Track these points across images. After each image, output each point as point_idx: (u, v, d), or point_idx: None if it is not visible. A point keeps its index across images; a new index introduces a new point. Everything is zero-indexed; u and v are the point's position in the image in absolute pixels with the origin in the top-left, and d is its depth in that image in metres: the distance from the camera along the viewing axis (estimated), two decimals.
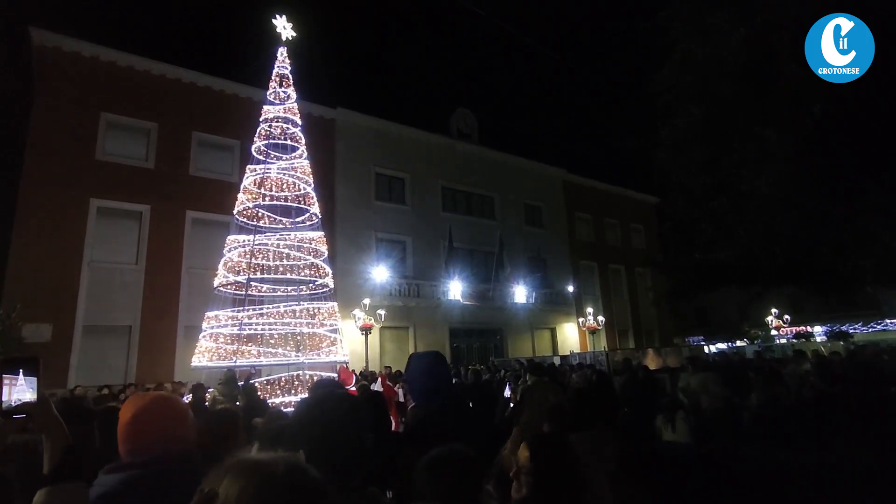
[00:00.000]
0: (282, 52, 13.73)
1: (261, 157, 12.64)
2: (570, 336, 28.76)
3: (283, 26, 13.83)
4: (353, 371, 13.02)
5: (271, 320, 11.40)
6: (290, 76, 13.63)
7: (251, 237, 11.87)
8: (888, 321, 30.20)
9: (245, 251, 11.80)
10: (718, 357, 16.29)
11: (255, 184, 12.41)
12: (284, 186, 12.47)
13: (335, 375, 10.29)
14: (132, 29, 43.20)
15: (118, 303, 16.70)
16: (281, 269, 11.77)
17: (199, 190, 18.71)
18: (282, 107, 13.05)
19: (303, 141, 13.11)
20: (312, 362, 11.58)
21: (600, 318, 26.91)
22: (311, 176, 12.90)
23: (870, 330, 30.34)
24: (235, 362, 10.61)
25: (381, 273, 21.46)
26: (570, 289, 28.58)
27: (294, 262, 11.92)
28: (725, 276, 14.88)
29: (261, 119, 12.98)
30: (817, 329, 31.52)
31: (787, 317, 27.63)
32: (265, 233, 12.02)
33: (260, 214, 12.18)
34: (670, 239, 17.69)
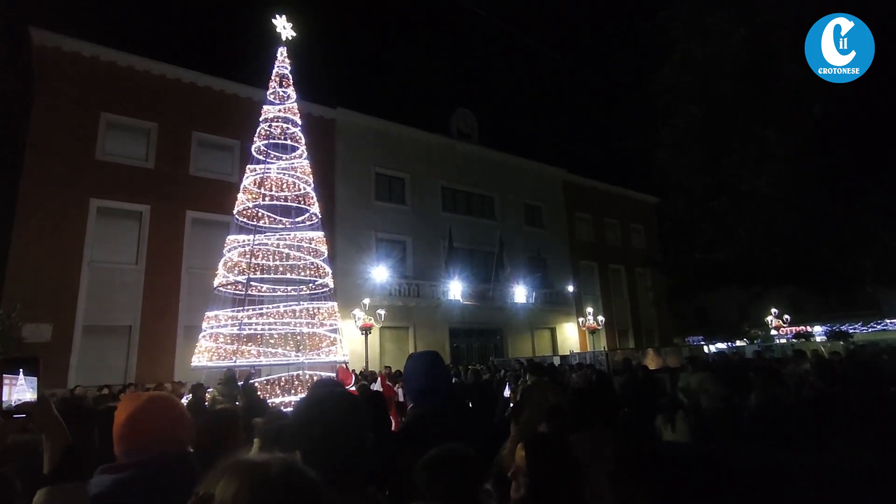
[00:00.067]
0: (282, 52, 13.72)
1: (261, 157, 12.63)
2: (569, 336, 28.76)
3: (283, 26, 13.83)
4: (353, 371, 13.02)
5: (271, 320, 11.40)
6: (290, 76, 13.62)
7: (251, 237, 11.86)
8: (888, 321, 30.21)
9: (245, 251, 11.79)
10: (718, 357, 16.27)
11: (255, 184, 12.41)
12: (284, 186, 12.47)
13: (334, 375, 10.29)
14: (132, 29, 43.22)
15: (118, 303, 16.70)
16: (281, 269, 11.76)
17: (199, 190, 18.71)
18: (282, 107, 13.04)
19: (303, 141, 13.10)
20: (312, 362, 11.58)
21: (600, 318, 26.91)
22: (311, 176, 12.90)
23: (869, 330, 30.35)
24: (235, 362, 10.61)
25: (380, 273, 21.47)
26: (570, 289, 28.59)
27: (294, 262, 11.91)
28: (725, 276, 14.88)
29: (261, 119, 12.98)
30: (817, 329, 31.52)
31: (786, 317, 27.62)
32: (265, 233, 12.01)
33: (260, 214, 12.17)
34: (670, 239, 17.71)
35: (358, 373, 13.16)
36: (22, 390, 1.54)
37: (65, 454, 1.51)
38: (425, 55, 63.78)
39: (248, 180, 12.45)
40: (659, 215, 30.15)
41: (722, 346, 27.84)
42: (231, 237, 12.16)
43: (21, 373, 1.55)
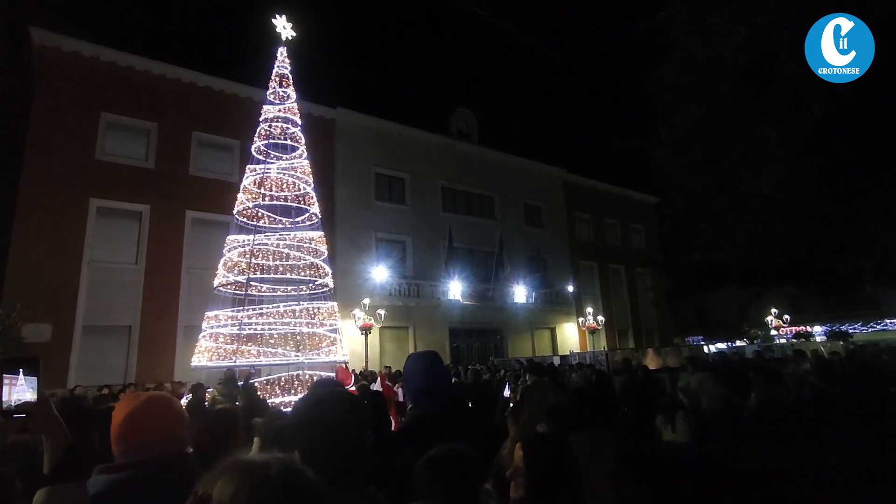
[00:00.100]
0: (282, 52, 13.73)
1: (261, 157, 12.63)
2: (569, 336, 28.77)
3: (283, 26, 13.83)
4: (353, 371, 13.03)
5: (271, 320, 11.40)
6: (290, 76, 13.62)
7: (251, 237, 11.86)
8: (888, 321, 30.21)
9: (245, 251, 11.80)
10: (718, 357, 16.28)
11: (254, 184, 12.41)
12: (284, 186, 12.47)
13: (334, 375, 10.29)
14: (132, 29, 43.22)
15: (118, 303, 16.70)
16: (281, 268, 11.77)
17: (199, 190, 18.71)
18: (282, 107, 13.05)
19: (303, 141, 13.10)
20: (312, 362, 11.58)
21: (600, 318, 26.91)
22: (310, 176, 12.90)
23: (869, 330, 30.35)
24: (235, 362, 10.62)
25: (380, 273, 21.46)
26: (570, 289, 28.58)
27: (294, 262, 11.92)
28: (725, 276, 14.88)
29: (261, 119, 12.98)
30: (817, 329, 31.53)
31: (786, 317, 27.63)
32: (265, 233, 12.02)
33: (260, 214, 12.17)
34: (670, 239, 17.71)
35: (358, 373, 13.16)
36: (22, 390, 1.54)
37: (65, 454, 1.51)
38: (425, 55, 63.81)
39: (247, 180, 12.45)
40: (659, 215, 30.14)
41: (722, 346, 27.85)
42: (231, 237, 12.16)
43: (21, 373, 1.55)
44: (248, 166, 12.70)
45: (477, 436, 3.05)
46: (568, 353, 21.71)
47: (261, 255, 11.69)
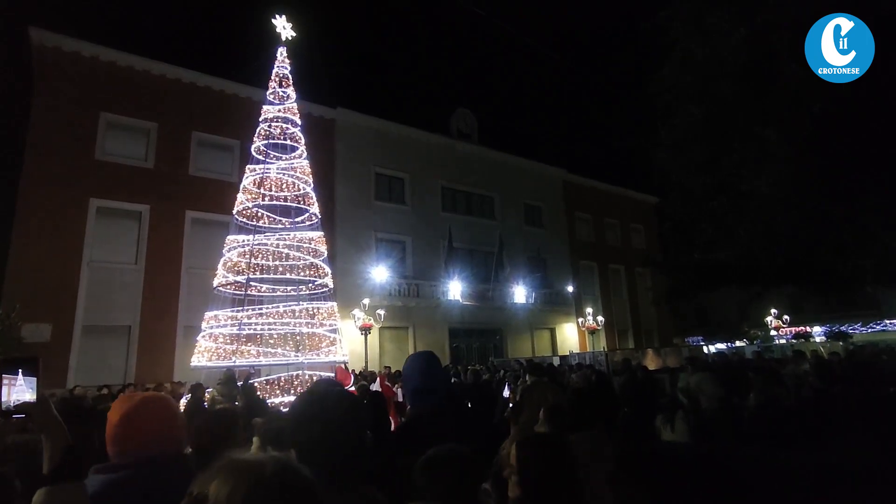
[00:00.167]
0: (281, 52, 13.72)
1: (260, 157, 12.63)
2: (569, 336, 28.77)
3: (283, 26, 13.83)
4: (353, 371, 13.03)
5: (270, 320, 11.40)
6: (290, 76, 13.62)
7: (251, 237, 11.85)
8: (887, 321, 30.21)
9: (244, 251, 11.79)
10: (717, 357, 16.28)
11: (254, 184, 12.41)
12: (284, 186, 12.47)
13: (333, 375, 10.29)
14: (132, 29, 43.22)
15: (118, 303, 16.71)
16: (280, 269, 11.77)
17: (199, 190, 18.71)
18: (281, 107, 13.04)
19: (302, 141, 13.10)
20: (312, 362, 11.58)
21: (600, 318, 26.91)
22: (310, 176, 12.90)
23: (869, 330, 30.35)
24: (235, 362, 10.61)
25: (380, 273, 21.47)
26: (570, 289, 28.58)
27: (293, 262, 11.91)
28: (725, 276, 14.87)
29: (260, 119, 12.97)
30: (817, 329, 31.53)
31: (786, 317, 27.64)
32: (265, 233, 12.01)
33: (259, 214, 12.17)
34: (670, 239, 17.69)
35: (357, 373, 13.16)
36: (21, 390, 1.54)
37: (64, 454, 1.51)
38: (425, 55, 63.82)
39: (247, 180, 12.45)
40: (659, 215, 30.12)
41: (722, 346, 27.87)
42: (231, 237, 12.15)
43: (20, 373, 1.54)
44: (248, 166, 12.70)
45: (476, 436, 3.05)
46: (568, 354, 21.72)
47: (260, 256, 11.68)
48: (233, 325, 11.27)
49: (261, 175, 12.42)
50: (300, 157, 12.87)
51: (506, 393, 9.47)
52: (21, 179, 15.87)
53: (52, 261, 15.50)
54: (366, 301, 19.53)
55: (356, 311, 18.87)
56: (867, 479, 3.15)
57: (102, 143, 17.41)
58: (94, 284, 16.43)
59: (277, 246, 11.83)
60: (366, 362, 17.37)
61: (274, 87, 13.33)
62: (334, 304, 12.56)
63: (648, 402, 7.29)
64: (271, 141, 12.73)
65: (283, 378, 11.08)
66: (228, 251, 12.02)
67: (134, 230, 17.71)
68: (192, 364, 11.53)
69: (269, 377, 11.25)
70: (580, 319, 27.61)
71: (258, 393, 8.81)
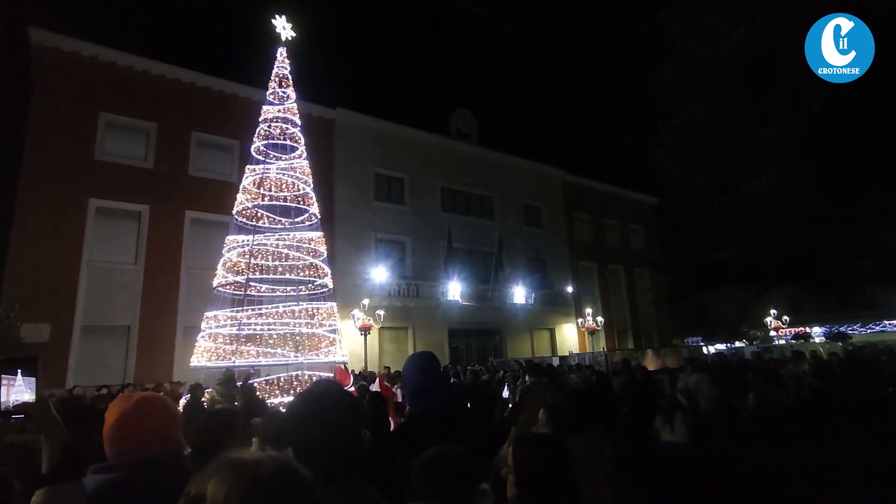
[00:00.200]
0: (281, 53, 13.72)
1: (260, 158, 12.63)
2: (569, 337, 28.76)
3: (283, 26, 13.82)
4: (352, 371, 13.02)
5: (270, 320, 11.39)
6: (290, 76, 13.62)
7: (250, 237, 11.85)
8: (886, 322, 30.21)
9: (244, 251, 11.79)
10: (717, 358, 16.29)
11: (254, 184, 12.40)
12: (284, 187, 12.47)
13: (332, 376, 10.29)
14: (132, 29, 43.19)
15: (117, 303, 16.71)
16: (280, 269, 11.76)
17: (199, 190, 18.71)
18: (281, 107, 13.04)
19: (302, 141, 13.09)
20: (311, 363, 11.57)
21: (599, 318, 26.88)
22: (310, 176, 12.90)
23: (868, 331, 30.34)
24: (234, 362, 10.60)
25: (380, 273, 21.46)
26: (570, 289, 28.57)
27: (293, 263, 11.91)
28: (725, 276, 14.87)
29: (260, 119, 12.97)
30: (816, 330, 31.52)
31: (785, 318, 27.65)
32: (264, 233, 12.01)
33: (259, 214, 12.17)
34: (669, 239, 17.70)
35: (357, 373, 13.15)
36: (20, 391, 1.54)
37: (63, 454, 1.51)
38: (425, 55, 63.79)
39: (247, 180, 12.44)
40: (658, 216, 30.15)
41: (721, 346, 27.87)
42: (230, 237, 12.15)
43: (19, 373, 1.54)
44: (248, 166, 12.69)
45: (476, 436, 3.05)
46: (567, 354, 21.72)
47: (260, 256, 11.67)
48: (232, 326, 11.27)
49: (260, 175, 12.41)
50: (300, 157, 12.87)
51: (505, 393, 9.47)
52: (20, 179, 15.87)
53: (52, 261, 15.50)
54: (365, 301, 19.53)
55: (356, 312, 18.86)
56: (867, 480, 3.15)
57: (102, 143, 17.41)
58: (94, 284, 16.42)
59: (277, 246, 11.83)
60: (365, 363, 17.37)
61: (274, 88, 13.32)
62: (334, 304, 12.56)
63: (648, 403, 7.29)
64: (271, 141, 12.73)
65: (282, 378, 11.07)
66: (228, 251, 12.02)
67: (133, 230, 17.71)
68: (192, 364, 11.52)
69: (268, 377, 11.24)
70: (580, 320, 27.60)
71: (257, 393, 8.80)
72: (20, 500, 1.76)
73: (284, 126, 12.86)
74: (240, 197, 12.29)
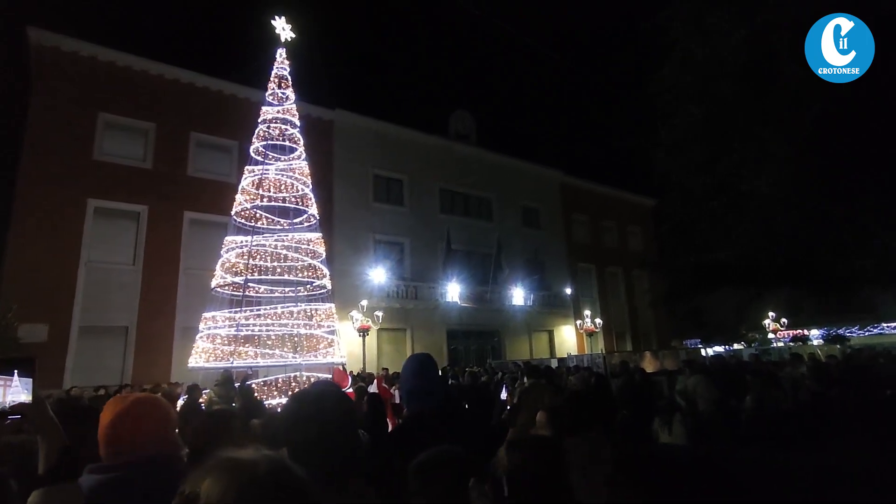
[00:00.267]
0: (280, 54, 13.71)
1: (259, 158, 12.62)
2: (567, 338, 28.76)
3: (283, 27, 13.83)
4: (351, 372, 13.01)
5: (268, 321, 11.37)
6: (289, 77, 13.61)
7: (249, 238, 11.84)
8: (884, 325, 30.23)
9: (243, 252, 11.77)
10: (715, 360, 16.30)
11: (253, 185, 12.39)
12: (282, 187, 12.45)
13: (330, 377, 10.28)
14: (131, 29, 43.18)
15: (115, 303, 16.68)
16: (278, 270, 11.75)
17: (197, 190, 18.70)
18: (280, 108, 13.03)
19: (301, 142, 13.08)
20: (310, 364, 11.55)
21: (598, 320, 26.89)
22: (309, 177, 12.89)
23: (866, 333, 30.35)
24: (232, 363, 10.58)
25: (378, 274, 21.44)
26: (568, 291, 28.56)
27: (292, 264, 11.90)
28: (723, 277, 14.86)
29: (259, 120, 12.96)
30: (814, 332, 31.52)
31: (784, 320, 27.66)
32: (263, 234, 11.99)
33: (258, 215, 12.16)
34: (667, 240, 17.68)
35: (355, 374, 13.14)
36: (17, 391, 1.53)
37: (61, 455, 1.50)
38: (424, 56, 63.83)
39: (246, 181, 12.43)
40: (656, 218, 30.18)
41: (719, 349, 27.87)
42: (229, 238, 12.14)
43: (16, 374, 1.54)
44: (247, 167, 12.68)
45: (474, 438, 3.04)
46: (566, 356, 21.73)
47: (258, 257, 11.66)
48: (230, 327, 11.25)
49: (259, 176, 12.40)
50: (299, 158, 12.86)
51: (503, 395, 9.47)
52: (19, 179, 15.86)
53: (50, 261, 15.48)
54: (364, 302, 19.52)
55: (354, 313, 18.85)
56: (864, 481, 3.15)
57: (100, 143, 17.40)
58: (92, 285, 16.40)
59: (275, 247, 11.81)
60: (364, 364, 17.35)
61: (273, 88, 13.31)
62: (332, 305, 12.55)
63: (646, 405, 7.30)
64: (270, 142, 12.72)
65: (280, 379, 11.05)
66: (226, 252, 12.01)
67: (132, 231, 17.69)
68: (190, 365, 11.51)
69: (266, 378, 11.22)
70: (578, 322, 27.58)
71: (256, 394, 8.79)
72: (17, 501, 1.76)
73: (283, 127, 12.86)
74: (238, 197, 12.28)
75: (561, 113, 65.48)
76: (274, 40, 13.86)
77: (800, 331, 30.69)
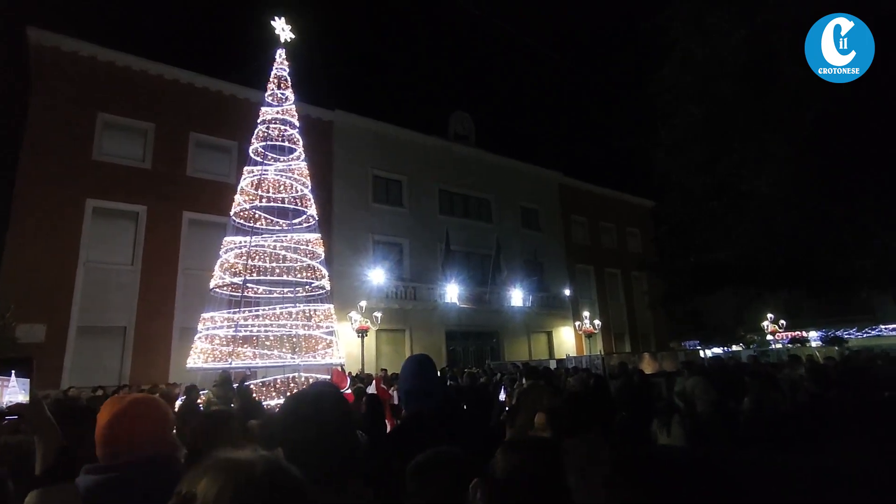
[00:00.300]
0: (280, 54, 13.71)
1: (258, 159, 12.61)
2: (566, 340, 28.76)
3: (282, 28, 13.82)
4: (349, 373, 13.00)
5: (267, 322, 11.36)
6: (289, 78, 13.61)
7: (248, 238, 11.83)
8: (882, 327, 30.26)
9: (241, 253, 11.76)
10: (713, 361, 16.31)
11: (252, 185, 12.38)
12: (281, 188, 12.44)
13: (329, 378, 10.26)
14: (130, 29, 43.17)
15: (113, 303, 16.66)
16: (277, 270, 11.74)
17: (196, 191, 18.69)
18: (280, 108, 13.03)
19: (300, 143, 13.08)
20: (308, 364, 11.54)
21: (597, 321, 26.90)
22: (308, 178, 12.88)
23: (864, 335, 30.38)
24: (231, 364, 10.57)
25: (377, 275, 21.43)
26: (567, 292, 28.58)
27: (290, 264, 11.89)
28: (722, 278, 14.86)
29: (258, 120, 12.95)
30: (812, 334, 31.54)
31: (782, 322, 27.68)
32: (262, 234, 11.99)
33: (257, 216, 12.15)
34: (666, 242, 17.68)
35: (354, 375, 13.13)
36: (14, 392, 1.53)
37: (58, 455, 1.50)
38: (423, 57, 63.84)
39: (245, 182, 12.42)
40: (655, 219, 30.16)
41: (718, 350, 27.88)
42: (228, 238, 12.14)
43: (13, 374, 1.53)
44: (246, 168, 12.67)
45: (472, 439, 3.05)
46: (564, 357, 21.72)
47: (257, 257, 11.65)
48: (229, 327, 11.24)
49: (258, 176, 12.39)
50: (298, 158, 12.85)
51: (501, 396, 9.46)
52: (18, 179, 15.84)
53: (48, 261, 15.46)
54: (363, 303, 19.51)
55: (353, 314, 18.83)
56: (863, 483, 3.15)
57: (100, 143, 17.39)
58: (90, 285, 16.38)
59: (274, 247, 11.80)
60: (362, 365, 17.33)
61: (272, 89, 13.31)
62: (331, 306, 12.54)
63: (645, 406, 7.30)
64: (269, 142, 12.71)
65: (279, 380, 11.04)
66: (225, 252, 12.00)
67: (130, 231, 17.67)
68: (188, 366, 11.49)
69: (265, 379, 11.21)
70: (577, 323, 27.60)
71: (254, 395, 8.77)
72: (15, 502, 1.75)
73: (283, 127, 12.85)
74: (237, 198, 12.27)
75: (560, 114, 65.57)
76: (273, 41, 13.87)
77: (798, 332, 30.72)
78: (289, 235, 12.14)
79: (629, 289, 33.22)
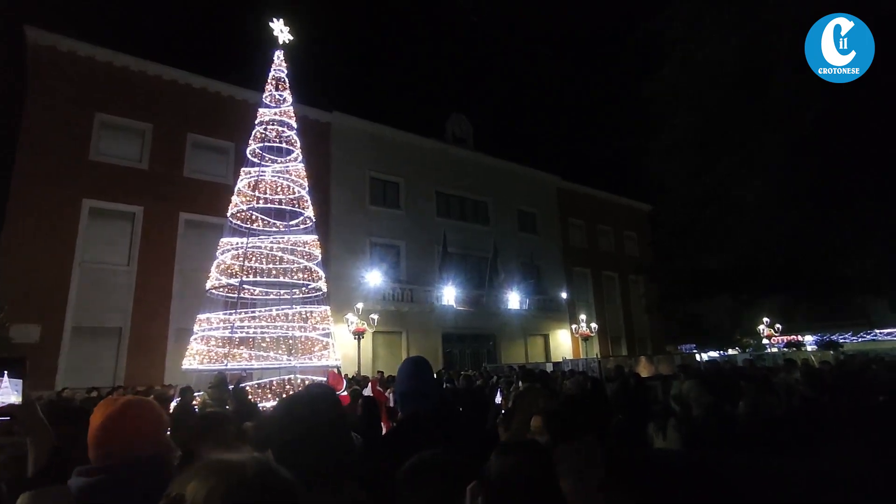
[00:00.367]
0: (278, 56, 13.72)
1: (255, 160, 12.61)
2: (562, 343, 28.76)
3: (280, 30, 13.83)
4: (346, 375, 12.98)
5: (263, 323, 11.35)
6: (287, 79, 13.61)
7: (245, 240, 11.82)
8: (877, 331, 30.38)
9: (238, 254, 11.75)
10: (709, 365, 16.33)
11: (249, 186, 12.38)
12: (279, 189, 12.44)
13: (325, 380, 10.25)
14: (129, 29, 43.13)
15: (109, 304, 16.60)
16: (274, 272, 11.73)
17: (193, 192, 18.66)
18: (277, 110, 13.03)
19: (298, 144, 13.08)
20: (304, 366, 11.52)
21: (593, 324, 26.94)
22: (305, 179, 12.88)
23: (859, 340, 30.49)
24: (226, 365, 10.54)
25: (374, 277, 21.42)
26: (564, 295, 28.59)
27: (287, 266, 11.88)
28: (719, 283, 14.90)
29: (256, 122, 12.96)
30: (808, 338, 31.65)
31: (778, 326, 27.74)
32: (259, 235, 11.98)
33: (254, 217, 12.14)
34: (663, 246, 17.74)
35: (350, 377, 13.12)
36: (6, 392, 1.52)
37: (50, 457, 1.49)
38: (421, 59, 63.88)
39: (242, 183, 12.42)
40: (652, 223, 30.26)
41: (714, 354, 27.93)
42: (224, 239, 12.13)
43: (6, 375, 1.53)
44: (243, 169, 12.67)
45: (469, 441, 3.04)
46: (561, 360, 21.73)
47: (254, 259, 11.64)
48: (225, 328, 11.22)
49: (256, 178, 12.38)
50: (295, 160, 12.86)
51: (498, 399, 9.46)
52: (14, 178, 15.78)
53: (44, 261, 15.40)
54: (359, 305, 19.50)
55: (350, 316, 18.83)
56: (857, 486, 3.15)
57: (97, 143, 17.35)
58: (86, 285, 16.33)
59: (271, 249, 11.79)
60: (358, 367, 17.32)
61: (270, 90, 13.32)
62: (328, 308, 12.54)
63: (641, 410, 7.29)
64: (266, 144, 12.72)
65: (274, 382, 11.03)
66: (222, 254, 11.98)
67: (127, 231, 17.63)
68: (184, 367, 11.47)
69: (260, 381, 11.19)
70: (573, 326, 27.63)
71: (249, 397, 8.75)
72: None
73: (280, 129, 12.86)
74: (234, 199, 12.26)
75: (558, 117, 65.62)
76: (272, 42, 13.89)
77: (794, 336, 30.82)
78: (286, 237, 12.14)
79: (626, 292, 33.25)
